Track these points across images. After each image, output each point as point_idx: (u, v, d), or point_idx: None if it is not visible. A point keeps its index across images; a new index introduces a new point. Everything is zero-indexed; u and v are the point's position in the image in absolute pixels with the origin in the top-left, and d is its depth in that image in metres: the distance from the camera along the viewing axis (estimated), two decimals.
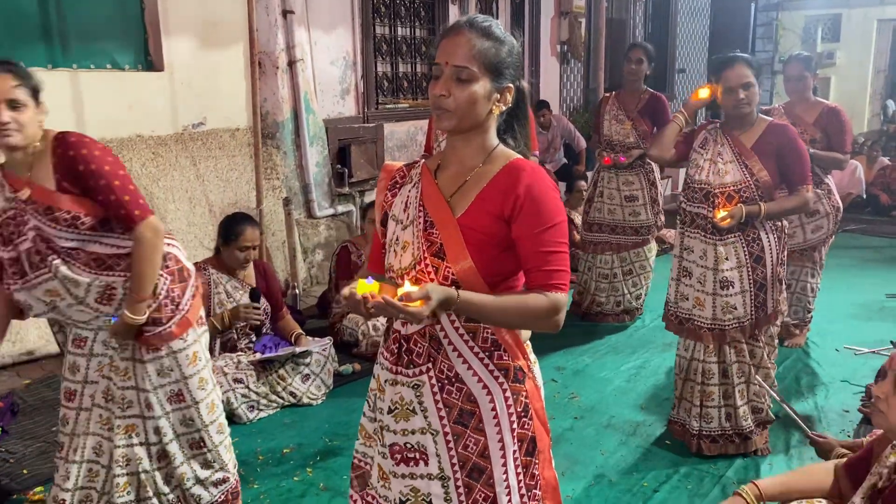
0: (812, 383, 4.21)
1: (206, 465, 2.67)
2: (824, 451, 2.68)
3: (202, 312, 2.62)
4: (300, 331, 4.21)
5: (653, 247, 5.32)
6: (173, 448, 2.58)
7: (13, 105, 2.19)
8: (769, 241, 3.20)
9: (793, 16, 12.86)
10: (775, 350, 3.44)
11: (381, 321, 4.48)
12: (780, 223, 3.24)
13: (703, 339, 3.31)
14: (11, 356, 4.23)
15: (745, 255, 3.20)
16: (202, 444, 2.63)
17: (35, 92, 2.26)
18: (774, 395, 2.97)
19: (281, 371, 3.89)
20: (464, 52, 1.63)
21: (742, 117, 3.18)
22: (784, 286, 3.34)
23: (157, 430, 2.55)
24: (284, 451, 3.47)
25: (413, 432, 1.76)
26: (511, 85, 1.70)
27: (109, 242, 2.36)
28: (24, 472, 3.20)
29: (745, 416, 3.34)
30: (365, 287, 1.58)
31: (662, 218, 5.27)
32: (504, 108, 1.71)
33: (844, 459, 2.26)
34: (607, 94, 5.34)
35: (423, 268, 1.68)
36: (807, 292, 4.63)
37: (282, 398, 3.88)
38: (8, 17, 4.27)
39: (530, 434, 1.77)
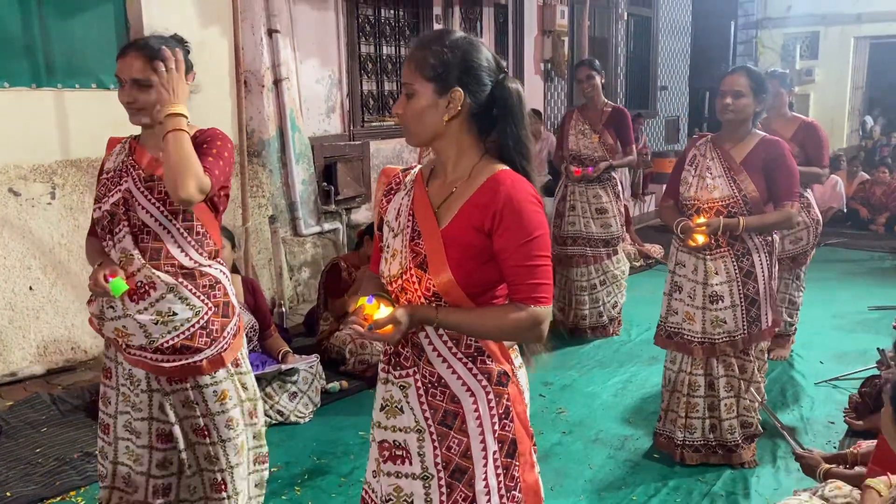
0: (797, 395, 4.25)
1: None
2: (810, 468, 2.70)
3: (242, 353, 2.45)
4: (287, 348, 4.20)
5: (622, 258, 5.43)
6: (195, 482, 2.46)
7: (140, 84, 2.20)
8: (759, 257, 3.22)
9: (772, 34, 13.07)
10: (765, 364, 3.46)
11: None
12: (769, 238, 3.25)
13: (692, 352, 3.31)
14: None
15: (735, 270, 3.21)
16: (223, 486, 2.43)
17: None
18: (765, 408, 2.99)
19: (268, 389, 3.87)
20: (408, 70, 1.70)
21: (731, 128, 3.21)
22: (776, 298, 3.38)
23: (162, 464, 2.42)
24: (272, 469, 3.43)
25: (400, 430, 1.80)
26: (457, 88, 1.67)
27: (179, 240, 2.28)
28: (8, 494, 3.16)
29: (731, 429, 3.35)
30: (368, 308, 1.66)
31: (622, 229, 5.39)
32: (454, 112, 1.68)
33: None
34: (571, 110, 5.49)
35: (409, 277, 1.72)
36: (791, 306, 4.68)
37: (269, 416, 3.86)
38: None
39: (511, 436, 1.80)
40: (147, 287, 2.26)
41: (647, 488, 3.28)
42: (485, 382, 1.75)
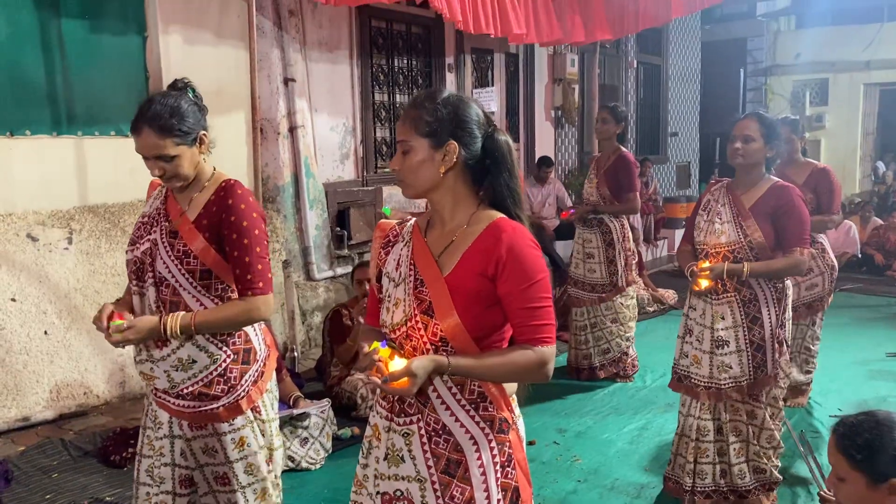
0: (816, 444, 4.16)
1: None
2: None
3: (261, 402, 2.39)
4: (299, 393, 4.18)
5: (615, 306, 5.21)
6: None
7: (164, 159, 2.23)
8: (766, 302, 3.19)
9: (781, 80, 13.19)
10: (781, 412, 3.40)
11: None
12: (779, 284, 3.22)
13: (699, 396, 3.29)
14: (6, 422, 4.18)
15: (741, 315, 3.18)
16: None
17: (186, 134, 2.25)
18: (798, 443, 2.92)
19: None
20: (403, 128, 1.79)
21: (743, 173, 3.21)
22: (786, 348, 3.32)
23: None
24: None
25: (402, 479, 1.80)
26: (452, 141, 1.75)
27: (196, 295, 2.28)
28: None
29: (741, 473, 3.29)
30: (382, 352, 1.68)
31: (629, 278, 5.28)
32: (449, 164, 1.76)
33: None
34: (592, 157, 5.52)
35: (414, 324, 1.75)
36: (806, 353, 4.62)
37: None
38: (15, 84, 4.37)
39: (514, 483, 1.82)
40: (156, 337, 2.27)
41: None
42: (487, 430, 1.78)
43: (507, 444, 1.80)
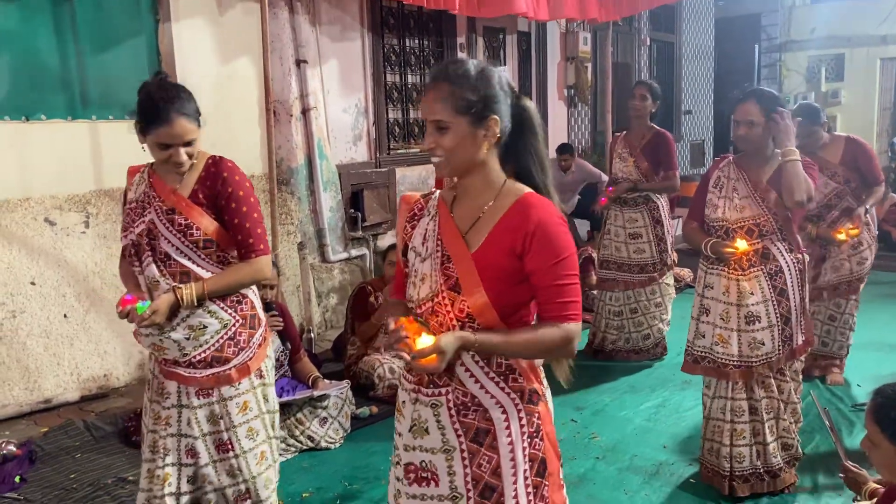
0: (835, 419, 4.14)
1: None
2: (856, 483, 2.63)
3: (265, 366, 2.57)
4: (317, 373, 4.20)
5: (661, 288, 5.20)
6: (214, 497, 2.54)
7: (191, 144, 2.38)
8: (791, 274, 3.17)
9: (796, 56, 13.00)
10: (800, 385, 3.39)
11: (397, 364, 4.47)
12: (799, 255, 3.19)
13: (729, 376, 3.24)
14: (29, 404, 4.22)
15: (770, 289, 3.16)
16: (247, 496, 2.56)
17: (196, 116, 2.42)
18: (825, 417, 2.91)
19: (299, 415, 3.87)
20: (436, 105, 1.72)
21: (754, 154, 3.18)
22: (809, 316, 3.30)
23: (191, 479, 2.52)
24: (304, 495, 3.44)
25: (426, 450, 1.80)
26: (494, 116, 1.72)
27: (202, 264, 2.43)
28: None
29: (774, 452, 3.27)
30: (409, 328, 1.66)
31: (674, 256, 5.25)
32: (493, 139, 1.74)
33: (875, 499, 2.23)
34: (617, 135, 5.39)
35: (440, 300, 1.74)
36: (848, 327, 4.60)
37: (300, 442, 3.86)
38: (30, 69, 4.38)
39: (541, 455, 1.82)
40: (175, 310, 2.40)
41: None
42: (517, 400, 1.78)
43: (537, 415, 1.81)
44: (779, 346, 3.18)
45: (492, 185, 1.78)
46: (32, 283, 4.29)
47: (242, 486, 2.55)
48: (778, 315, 3.17)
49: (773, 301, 3.16)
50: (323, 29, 5.95)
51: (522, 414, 1.78)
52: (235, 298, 2.49)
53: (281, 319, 3.95)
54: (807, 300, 3.26)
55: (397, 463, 1.89)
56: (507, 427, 1.76)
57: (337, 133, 6.15)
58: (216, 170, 2.43)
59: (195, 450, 2.49)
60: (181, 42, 4.99)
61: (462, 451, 1.77)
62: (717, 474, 3.36)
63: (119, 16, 4.78)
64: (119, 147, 4.70)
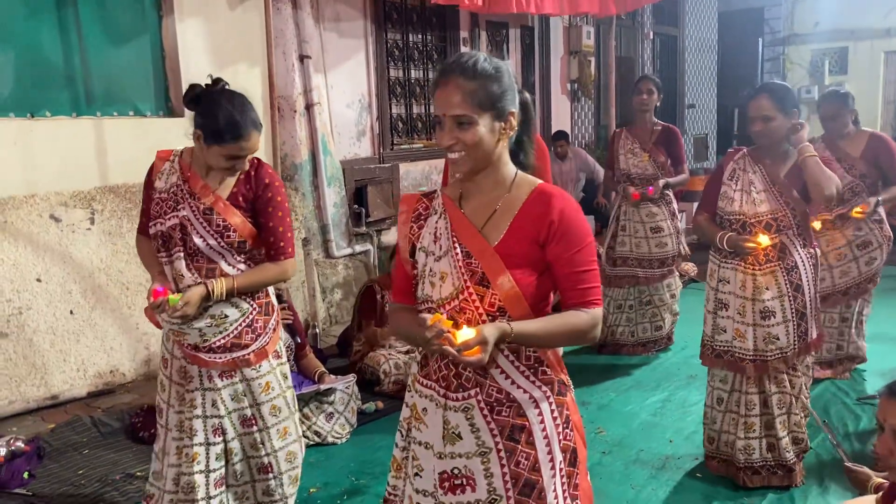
0: (840, 413, 4.15)
1: (268, 492, 2.72)
2: (860, 482, 2.63)
3: (280, 346, 2.72)
4: (323, 369, 4.22)
5: (673, 281, 5.25)
6: (241, 468, 2.68)
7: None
8: (806, 269, 3.16)
9: (800, 50, 12.95)
10: (810, 380, 3.39)
11: (401, 360, 4.48)
12: (812, 251, 3.18)
13: (744, 370, 3.23)
14: (36, 400, 4.24)
15: (786, 284, 3.15)
16: (269, 468, 2.69)
17: None
18: (820, 423, 2.91)
19: (305, 410, 3.88)
20: (457, 99, 1.69)
21: (769, 148, 3.15)
22: (819, 310, 3.28)
23: (219, 456, 2.63)
24: (311, 490, 3.45)
25: (459, 456, 1.77)
26: (513, 110, 1.75)
27: (231, 262, 2.54)
28: None
29: (787, 447, 3.26)
30: (446, 323, 1.64)
31: (686, 248, 5.26)
32: (512, 132, 1.77)
33: (881, 493, 2.22)
34: (618, 130, 5.38)
35: (467, 297, 1.73)
36: (862, 326, 4.57)
37: (306, 437, 3.85)
38: (34, 66, 4.38)
39: (572, 445, 1.84)
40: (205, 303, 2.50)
41: None
42: (548, 393, 1.79)
43: (566, 406, 1.83)
44: (794, 340, 3.18)
45: (504, 178, 1.78)
46: (38, 280, 4.29)
47: (265, 459, 2.67)
48: (793, 310, 3.16)
49: (789, 296, 3.15)
50: (326, 24, 5.95)
51: (554, 406, 1.80)
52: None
53: (291, 314, 3.96)
54: (818, 294, 3.25)
55: (416, 474, 1.84)
56: (542, 422, 1.77)
57: (340, 128, 6.14)
58: (258, 174, 2.54)
59: (222, 427, 2.61)
60: (185, 38, 4.99)
61: (499, 450, 1.76)
62: (727, 465, 3.37)
63: (123, 12, 4.78)
64: (123, 143, 4.71)
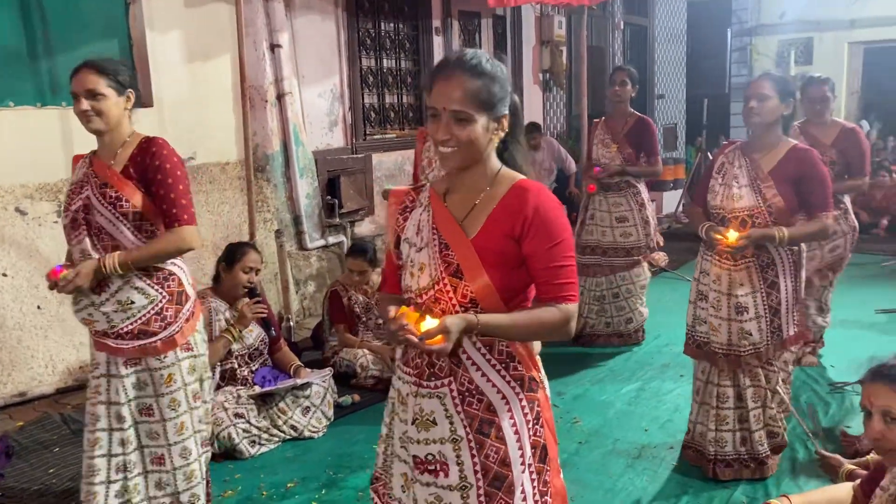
0: (811, 400, 4.23)
1: (159, 485, 2.72)
2: (832, 468, 2.68)
3: (192, 339, 2.70)
4: (299, 362, 4.18)
5: (641, 271, 5.28)
6: (134, 458, 2.69)
7: (92, 95, 2.51)
8: (784, 267, 3.16)
9: (766, 40, 13.12)
10: (790, 376, 3.42)
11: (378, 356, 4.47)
12: (795, 248, 3.19)
13: (717, 363, 3.27)
14: (3, 398, 4.14)
15: (760, 281, 3.16)
16: (161, 461, 2.69)
17: (119, 84, 2.56)
18: (792, 410, 2.96)
19: (281, 404, 3.85)
20: (458, 95, 1.70)
21: (759, 133, 3.15)
22: (804, 308, 3.32)
23: (123, 442, 2.66)
24: (288, 485, 3.42)
25: (434, 442, 1.81)
26: (507, 112, 1.77)
27: (130, 237, 2.55)
28: None
29: (760, 440, 3.30)
30: (410, 316, 1.67)
31: (658, 239, 5.30)
32: (503, 133, 1.79)
33: (859, 480, 2.27)
34: (597, 120, 5.39)
35: (442, 287, 1.76)
36: (821, 312, 4.64)
37: (283, 432, 3.83)
38: None
39: (542, 441, 1.86)
40: (107, 279, 2.54)
41: (667, 497, 3.26)
42: (518, 389, 1.81)
43: (537, 402, 1.85)
44: (767, 337, 3.19)
45: (488, 174, 1.80)
46: (4, 275, 4.19)
47: (159, 451, 2.68)
48: (766, 307, 3.17)
49: (762, 293, 3.16)
50: (297, 13, 5.86)
51: (524, 402, 1.81)
52: (163, 275, 2.62)
53: (265, 307, 3.91)
54: (801, 292, 3.26)
55: (398, 457, 1.89)
56: (511, 417, 1.79)
57: (312, 119, 6.08)
58: (147, 146, 2.58)
59: (121, 414, 2.64)
60: (153, 27, 4.89)
61: (469, 440, 1.78)
62: (700, 456, 3.41)
63: (88, 0, 4.66)
64: (90, 134, 4.59)
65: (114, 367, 2.62)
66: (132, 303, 2.56)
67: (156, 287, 2.60)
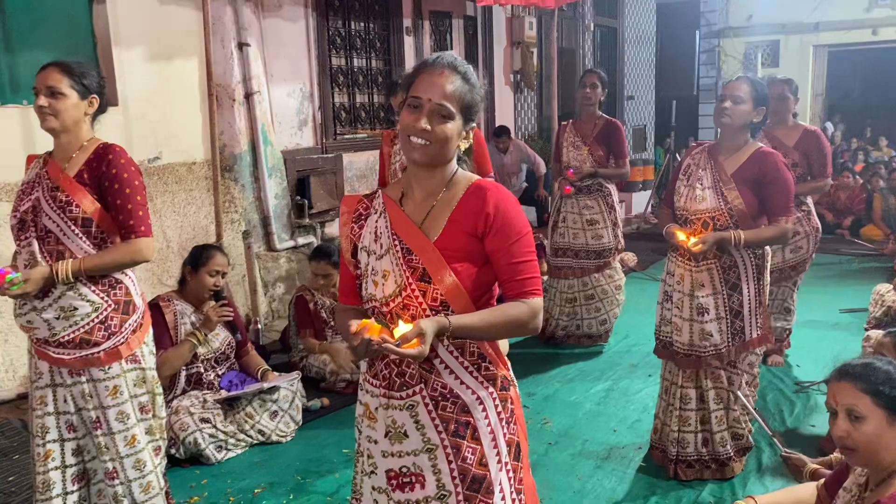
0: (777, 400, 4.28)
1: (116, 498, 2.63)
2: (796, 468, 2.71)
3: (140, 351, 2.62)
4: (266, 366, 4.13)
5: (614, 272, 5.31)
6: (93, 465, 2.65)
7: (52, 92, 2.47)
8: (746, 269, 3.17)
9: (734, 42, 13.31)
10: (755, 378, 3.45)
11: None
12: (758, 251, 3.20)
13: (679, 364, 3.30)
14: None
15: (721, 283, 3.17)
16: (115, 475, 2.62)
17: (83, 87, 2.52)
18: (752, 411, 2.98)
19: (248, 409, 3.80)
20: (446, 90, 1.72)
21: (727, 135, 3.16)
22: (767, 311, 3.32)
23: (78, 451, 2.62)
24: (256, 490, 3.38)
25: (407, 454, 1.79)
26: (475, 125, 1.82)
27: (79, 243, 2.49)
28: None
29: (722, 441, 3.32)
30: (373, 329, 1.63)
31: (622, 241, 5.33)
32: (467, 144, 1.82)
33: (823, 480, 2.29)
34: (565, 123, 5.40)
35: (410, 293, 1.74)
36: (786, 313, 4.69)
37: (250, 436, 3.78)
38: None
39: (516, 439, 1.88)
40: (49, 285, 2.47)
41: (635, 498, 3.27)
42: (491, 389, 1.82)
43: (510, 400, 1.86)
44: (728, 338, 3.21)
45: (444, 176, 1.81)
46: None
47: (109, 465, 2.61)
48: (728, 308, 3.18)
49: (723, 294, 3.18)
50: (266, 11, 5.80)
51: (498, 402, 1.82)
52: (109, 283, 2.55)
53: (231, 310, 3.86)
54: (764, 295, 3.27)
55: (372, 472, 1.86)
56: (486, 417, 1.80)
57: (281, 118, 6.02)
58: (103, 152, 2.52)
59: (72, 424, 2.59)
60: (117, 24, 4.80)
61: (445, 447, 1.77)
62: (664, 456, 3.43)
63: None
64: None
65: (58, 376, 2.55)
66: (75, 309, 2.49)
67: (101, 294, 2.53)
